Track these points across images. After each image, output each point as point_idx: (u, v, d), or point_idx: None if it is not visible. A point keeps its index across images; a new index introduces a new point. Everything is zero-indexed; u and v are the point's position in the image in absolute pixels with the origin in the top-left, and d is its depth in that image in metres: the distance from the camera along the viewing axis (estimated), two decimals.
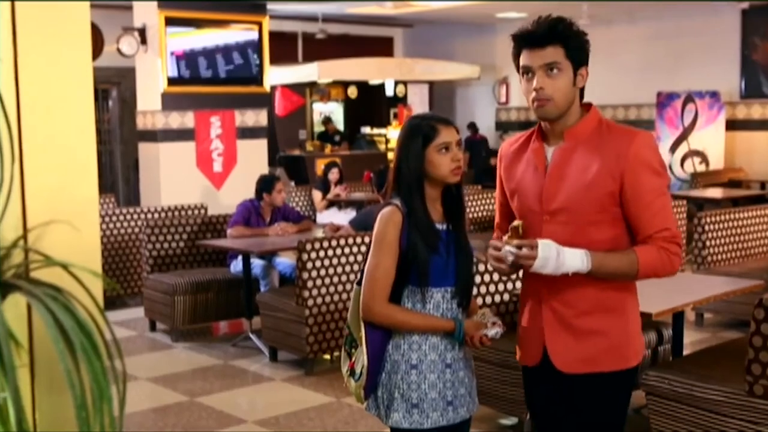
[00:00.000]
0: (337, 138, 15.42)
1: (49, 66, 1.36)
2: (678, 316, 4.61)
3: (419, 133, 2.73)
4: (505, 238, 2.45)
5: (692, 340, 6.23)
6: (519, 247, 2.44)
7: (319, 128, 16.00)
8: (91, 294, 1.22)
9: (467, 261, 2.77)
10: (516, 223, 2.46)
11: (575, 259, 2.45)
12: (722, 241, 6.92)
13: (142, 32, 9.40)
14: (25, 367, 1.33)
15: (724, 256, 6.93)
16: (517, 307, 4.33)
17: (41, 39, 1.34)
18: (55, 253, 1.23)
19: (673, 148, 12.32)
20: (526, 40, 2.50)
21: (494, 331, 2.69)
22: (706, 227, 6.81)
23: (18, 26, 1.32)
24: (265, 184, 6.99)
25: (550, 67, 2.46)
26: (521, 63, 2.52)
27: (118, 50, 9.33)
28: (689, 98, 12.26)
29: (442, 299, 2.74)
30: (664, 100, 12.38)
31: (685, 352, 4.80)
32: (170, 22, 9.38)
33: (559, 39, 2.47)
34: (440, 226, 2.72)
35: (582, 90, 2.57)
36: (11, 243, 1.21)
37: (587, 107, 2.60)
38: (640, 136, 2.50)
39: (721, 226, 6.93)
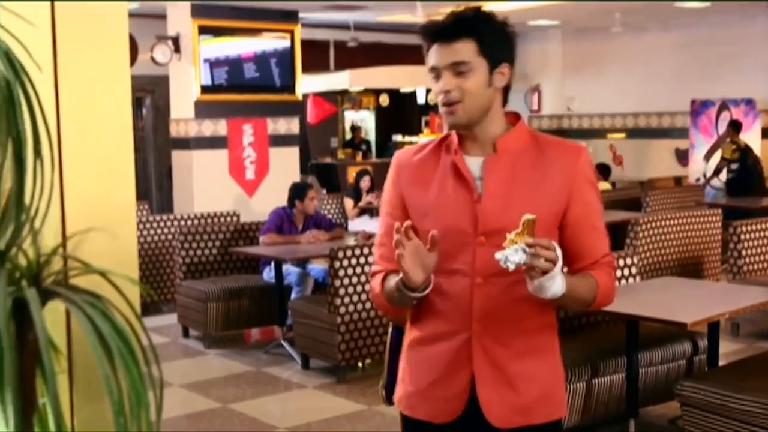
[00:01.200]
0: (363, 146, 15.44)
1: (87, 75, 1.37)
2: (713, 326, 4.56)
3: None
4: (510, 236, 1.95)
5: (728, 350, 6.16)
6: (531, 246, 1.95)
7: (350, 136, 16.07)
8: (129, 301, 1.23)
9: None
10: (530, 216, 1.95)
11: (559, 281, 2.01)
12: (758, 250, 6.84)
13: (176, 41, 9.49)
14: (63, 372, 1.34)
15: (760, 265, 6.84)
16: None
17: (80, 48, 1.36)
18: (94, 260, 1.25)
19: (708, 156, 12.21)
20: (432, 33, 2.12)
21: None
22: (742, 236, 6.74)
23: (57, 36, 1.34)
24: (297, 192, 7.02)
25: (457, 66, 2.08)
26: (428, 62, 2.14)
27: (152, 59, 9.42)
28: (724, 106, 12.14)
29: None
30: (698, 108, 12.27)
31: (721, 362, 4.75)
32: (203, 30, 9.47)
33: (469, 32, 2.09)
34: None
35: (506, 91, 2.20)
36: (51, 250, 1.22)
37: (512, 117, 2.25)
38: (583, 150, 2.20)
39: (756, 235, 6.85)
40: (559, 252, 1.97)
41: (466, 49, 2.08)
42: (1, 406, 1.13)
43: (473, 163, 2.17)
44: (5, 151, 1.16)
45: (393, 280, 2.15)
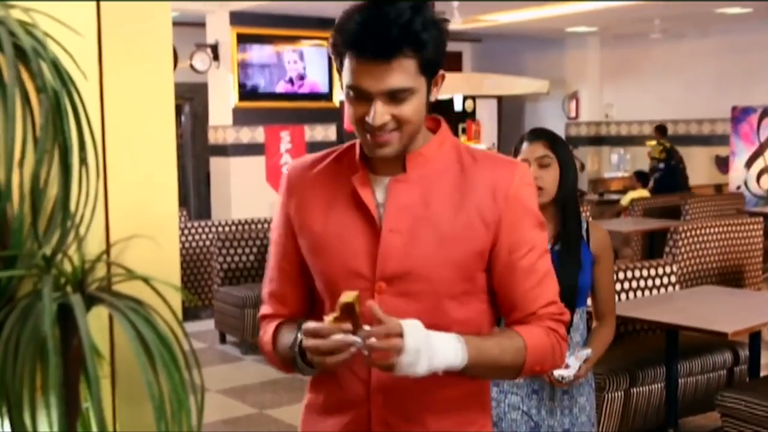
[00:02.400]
0: None
1: (132, 84, 1.39)
2: (755, 336, 4.50)
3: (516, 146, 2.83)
4: (328, 319, 1.52)
5: None
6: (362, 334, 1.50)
7: None
8: (171, 307, 1.24)
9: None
10: (349, 296, 1.51)
11: (448, 350, 1.56)
12: None
13: (215, 48, 9.58)
14: (106, 378, 1.36)
15: None
16: None
17: (125, 58, 1.38)
18: (137, 266, 1.26)
19: (749, 164, 12.05)
20: (360, 46, 1.55)
21: (557, 373, 2.63)
22: None
23: (103, 46, 1.36)
24: None
25: (396, 93, 1.58)
26: (348, 80, 1.58)
27: (191, 66, 9.52)
28: (765, 113, 11.98)
29: None
30: (739, 115, 12.12)
31: (762, 373, 4.68)
32: (242, 38, 9.55)
33: (411, 45, 1.54)
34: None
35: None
36: (95, 257, 1.24)
37: (432, 123, 1.77)
38: (519, 169, 1.70)
39: None
40: (410, 337, 1.50)
41: (406, 70, 1.56)
42: (46, 410, 1.15)
43: (382, 186, 1.69)
44: (52, 159, 1.18)
45: (288, 338, 1.70)
